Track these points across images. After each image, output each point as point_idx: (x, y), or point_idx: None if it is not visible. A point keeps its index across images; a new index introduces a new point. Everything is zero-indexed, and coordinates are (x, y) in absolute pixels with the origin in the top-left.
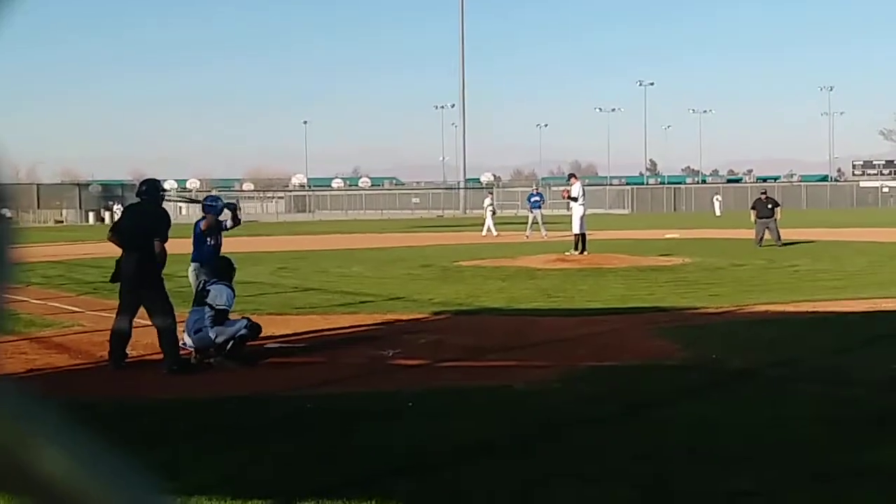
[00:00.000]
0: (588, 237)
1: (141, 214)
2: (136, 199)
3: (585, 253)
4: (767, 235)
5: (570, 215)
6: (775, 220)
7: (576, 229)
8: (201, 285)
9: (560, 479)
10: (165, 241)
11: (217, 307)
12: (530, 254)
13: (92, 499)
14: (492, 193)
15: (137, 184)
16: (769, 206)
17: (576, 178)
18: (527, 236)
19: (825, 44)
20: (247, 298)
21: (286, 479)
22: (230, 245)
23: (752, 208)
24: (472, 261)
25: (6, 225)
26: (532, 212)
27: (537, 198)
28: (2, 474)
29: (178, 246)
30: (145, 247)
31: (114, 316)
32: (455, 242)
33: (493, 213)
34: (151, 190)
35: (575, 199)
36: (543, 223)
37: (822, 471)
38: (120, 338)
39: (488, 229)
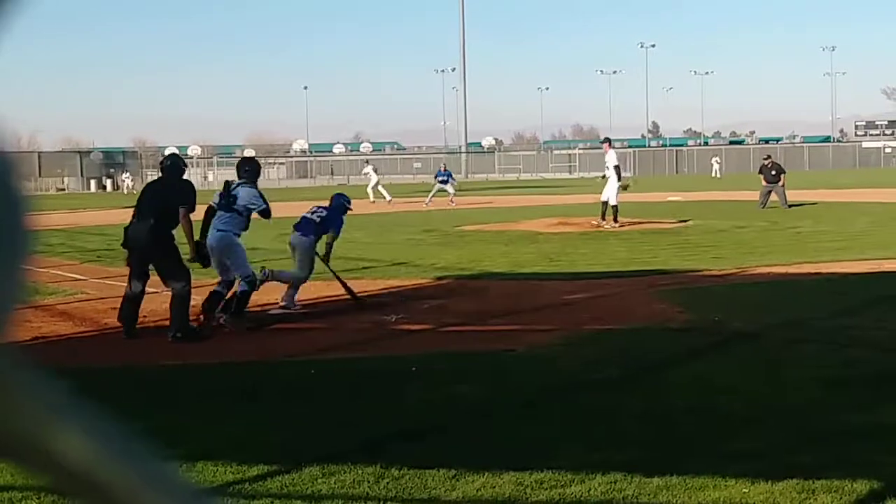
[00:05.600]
0: (598, 201)
1: (162, 187)
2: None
3: (616, 225)
4: (774, 198)
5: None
6: (782, 185)
7: (609, 199)
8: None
9: (564, 442)
10: (193, 210)
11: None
12: (532, 218)
13: (108, 477)
14: (367, 163)
15: (139, 152)
16: (773, 171)
17: (609, 144)
18: (426, 203)
19: (827, 3)
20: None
21: (291, 444)
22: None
23: (760, 173)
24: (475, 225)
25: (20, 196)
26: (438, 184)
27: (444, 176)
28: (19, 451)
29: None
30: (163, 215)
31: (116, 283)
32: (457, 207)
33: (377, 180)
34: (174, 165)
35: (618, 169)
36: (455, 193)
37: (823, 431)
38: (130, 304)
39: (379, 194)
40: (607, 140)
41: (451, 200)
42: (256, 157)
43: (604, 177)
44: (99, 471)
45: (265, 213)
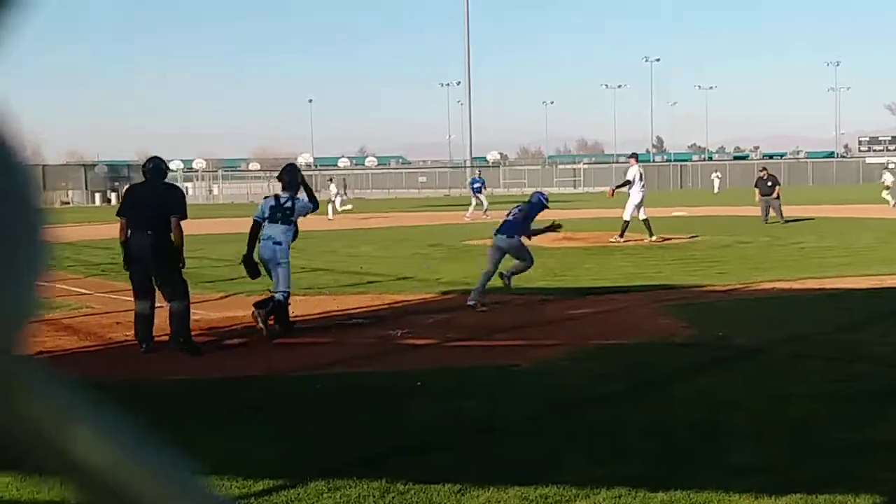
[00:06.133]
0: (601, 216)
1: (147, 192)
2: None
3: (654, 238)
4: (773, 213)
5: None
6: (776, 197)
7: (640, 215)
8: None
9: (569, 457)
10: (184, 217)
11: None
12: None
13: (130, 482)
14: (331, 180)
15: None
16: (769, 183)
17: (635, 159)
18: (466, 216)
19: (831, 19)
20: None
21: (296, 459)
22: (238, 225)
23: (755, 186)
24: (480, 240)
25: (37, 209)
26: (473, 193)
27: (479, 182)
28: (39, 455)
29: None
30: (159, 225)
31: (121, 298)
32: (462, 222)
33: (340, 196)
34: (157, 168)
35: (628, 184)
36: (487, 207)
37: (825, 447)
38: (144, 321)
39: (334, 210)
40: (634, 155)
41: (486, 213)
42: (261, 169)
43: (627, 189)
44: (121, 477)
45: (313, 203)
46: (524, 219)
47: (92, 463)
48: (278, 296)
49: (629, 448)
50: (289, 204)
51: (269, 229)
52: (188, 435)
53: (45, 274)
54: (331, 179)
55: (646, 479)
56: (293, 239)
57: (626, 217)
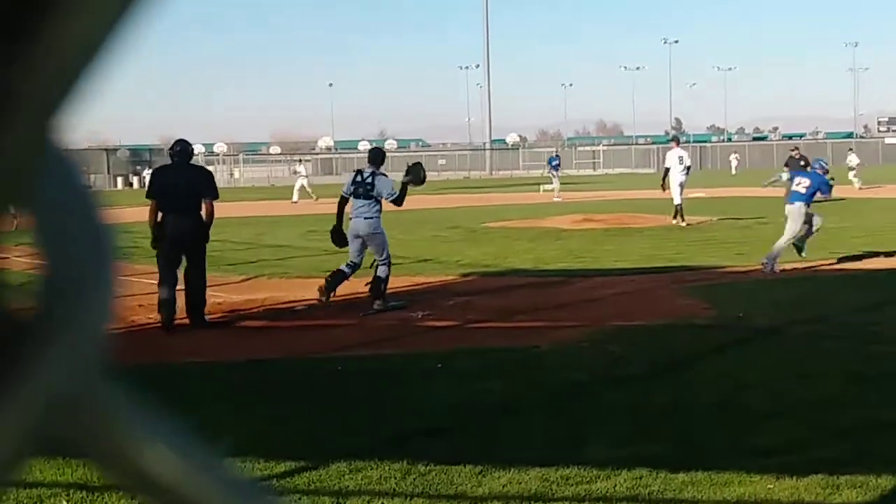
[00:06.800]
0: (622, 198)
1: (178, 174)
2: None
3: (683, 223)
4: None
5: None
6: None
7: (676, 199)
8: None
9: (590, 438)
10: (216, 198)
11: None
12: (556, 214)
13: (195, 491)
14: (300, 162)
15: (165, 149)
16: (801, 163)
17: (676, 142)
18: (556, 198)
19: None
20: (275, 262)
21: (318, 441)
22: (258, 209)
23: (786, 165)
24: (499, 222)
25: (90, 192)
26: (553, 173)
27: (557, 160)
28: (117, 473)
29: None
30: (193, 206)
31: (142, 281)
32: (482, 204)
33: (305, 178)
34: (184, 150)
35: (667, 171)
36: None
37: (847, 427)
38: (169, 307)
39: (301, 193)
40: (675, 139)
41: (558, 196)
42: (282, 153)
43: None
44: (186, 484)
45: (397, 201)
46: (809, 182)
47: (160, 471)
48: (382, 269)
49: (650, 429)
50: (369, 179)
51: (355, 204)
52: (211, 417)
53: (115, 259)
54: (300, 161)
55: (667, 460)
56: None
57: (677, 200)
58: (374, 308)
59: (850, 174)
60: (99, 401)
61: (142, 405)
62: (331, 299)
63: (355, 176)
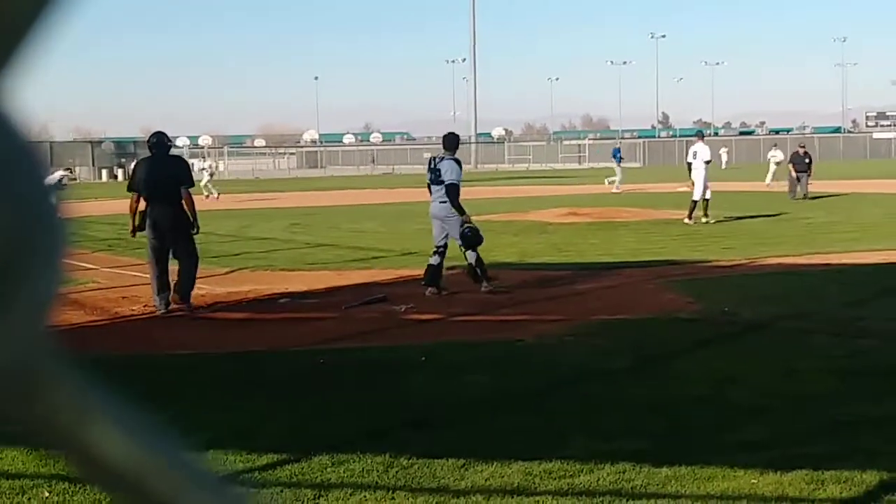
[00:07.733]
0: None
1: (160, 166)
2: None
3: (704, 220)
4: (800, 189)
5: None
6: (809, 174)
7: (696, 195)
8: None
9: (573, 432)
10: (192, 186)
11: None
12: (542, 208)
13: (147, 472)
14: (204, 158)
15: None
16: (806, 160)
17: (699, 137)
18: (615, 189)
19: None
20: (259, 254)
21: (300, 434)
22: (242, 202)
23: (790, 162)
24: (484, 215)
25: (48, 186)
26: (617, 165)
27: (619, 153)
28: (55, 445)
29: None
30: (174, 195)
31: (127, 273)
32: (467, 198)
33: (210, 175)
34: (160, 142)
35: (690, 167)
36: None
37: (832, 422)
38: (163, 285)
39: (209, 189)
40: (699, 133)
41: (617, 187)
42: (267, 146)
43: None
44: (138, 465)
45: (451, 197)
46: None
47: (111, 457)
48: (469, 255)
49: (633, 423)
50: (438, 165)
51: (433, 190)
52: (194, 409)
53: (68, 251)
54: (203, 157)
55: (650, 454)
56: (456, 192)
57: (703, 196)
58: (482, 289)
59: (769, 173)
60: (45, 384)
61: (98, 390)
62: (438, 290)
63: (429, 163)
